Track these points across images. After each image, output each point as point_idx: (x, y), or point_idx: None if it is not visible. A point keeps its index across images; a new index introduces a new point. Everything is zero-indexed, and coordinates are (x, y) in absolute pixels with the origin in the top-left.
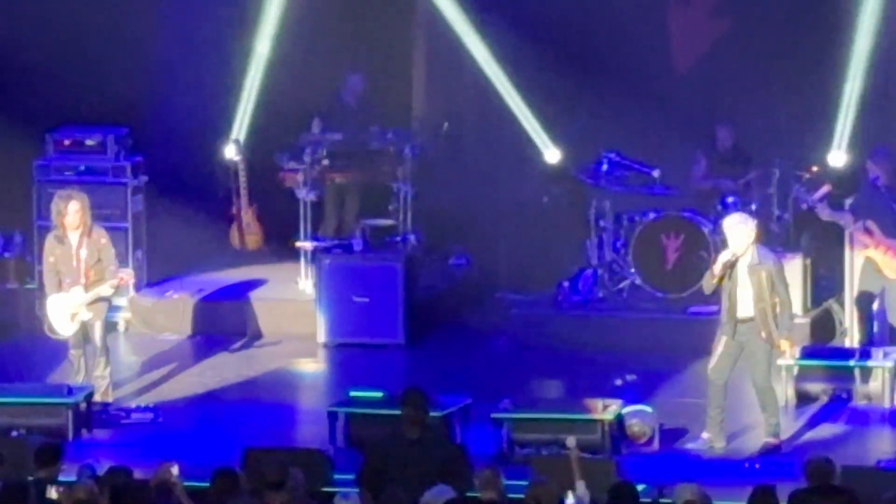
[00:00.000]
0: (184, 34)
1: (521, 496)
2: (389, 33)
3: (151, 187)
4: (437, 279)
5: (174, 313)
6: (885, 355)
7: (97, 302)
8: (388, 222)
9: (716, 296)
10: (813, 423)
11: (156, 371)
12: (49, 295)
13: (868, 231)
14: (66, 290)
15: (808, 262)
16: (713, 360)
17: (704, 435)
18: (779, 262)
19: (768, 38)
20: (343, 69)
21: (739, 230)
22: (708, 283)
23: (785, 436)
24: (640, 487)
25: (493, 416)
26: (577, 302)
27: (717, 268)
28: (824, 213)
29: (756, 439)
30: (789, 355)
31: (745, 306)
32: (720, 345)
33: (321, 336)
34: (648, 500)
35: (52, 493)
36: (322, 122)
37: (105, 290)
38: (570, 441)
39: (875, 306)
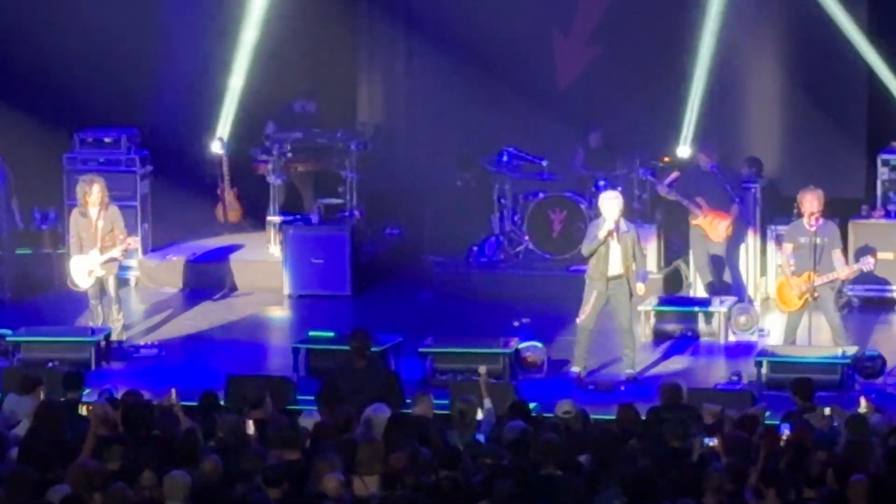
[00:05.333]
0: (180, 52)
1: (444, 412)
2: (341, 56)
3: (155, 175)
4: (376, 245)
5: (172, 272)
6: (721, 302)
7: (109, 261)
8: (338, 201)
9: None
10: (666, 355)
11: (158, 316)
12: (72, 256)
13: (698, 205)
14: (85, 253)
15: (661, 231)
16: (586, 310)
17: (574, 368)
18: (637, 232)
19: (631, 61)
20: (307, 85)
21: (612, 204)
22: (589, 248)
23: (644, 365)
24: (532, 405)
25: (420, 350)
26: (484, 262)
27: (602, 234)
28: (667, 194)
29: (621, 369)
30: (641, 294)
31: (615, 266)
32: (592, 297)
33: (286, 289)
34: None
35: (83, 410)
36: (275, 125)
37: (115, 252)
38: (482, 369)
39: (707, 264)
